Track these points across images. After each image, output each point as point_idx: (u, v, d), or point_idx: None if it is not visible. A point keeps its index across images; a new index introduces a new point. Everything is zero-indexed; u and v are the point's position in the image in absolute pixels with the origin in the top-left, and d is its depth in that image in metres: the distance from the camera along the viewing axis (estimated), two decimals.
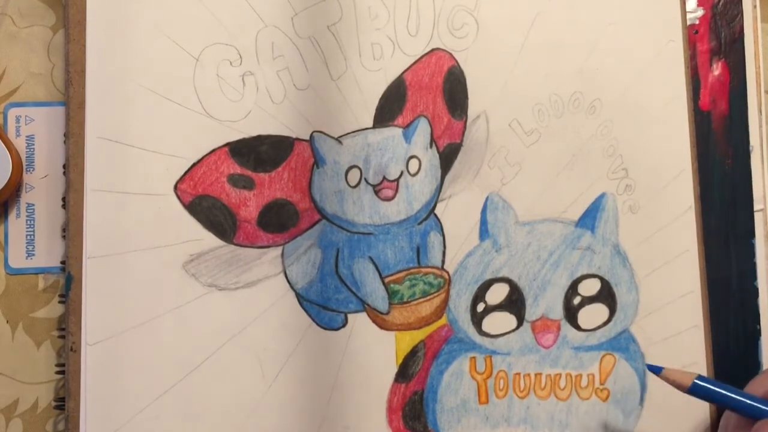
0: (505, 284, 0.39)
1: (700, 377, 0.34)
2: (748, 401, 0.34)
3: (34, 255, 0.38)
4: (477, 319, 0.39)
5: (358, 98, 0.39)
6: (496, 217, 0.39)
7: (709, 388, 0.34)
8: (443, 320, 0.39)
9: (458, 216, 0.39)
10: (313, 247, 0.38)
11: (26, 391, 0.38)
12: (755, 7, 0.43)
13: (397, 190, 0.39)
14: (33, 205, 0.38)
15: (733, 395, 0.34)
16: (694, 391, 0.34)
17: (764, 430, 0.32)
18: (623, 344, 0.40)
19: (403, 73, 0.39)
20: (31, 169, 0.38)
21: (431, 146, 0.39)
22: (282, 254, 0.38)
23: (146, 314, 0.37)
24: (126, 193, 0.37)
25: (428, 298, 0.39)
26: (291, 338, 0.38)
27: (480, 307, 0.39)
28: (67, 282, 0.37)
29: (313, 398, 0.38)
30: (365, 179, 0.39)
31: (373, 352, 0.38)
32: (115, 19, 0.38)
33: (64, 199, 0.38)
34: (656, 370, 0.35)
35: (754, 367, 0.41)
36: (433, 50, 0.40)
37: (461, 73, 0.40)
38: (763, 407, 0.34)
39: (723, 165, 0.42)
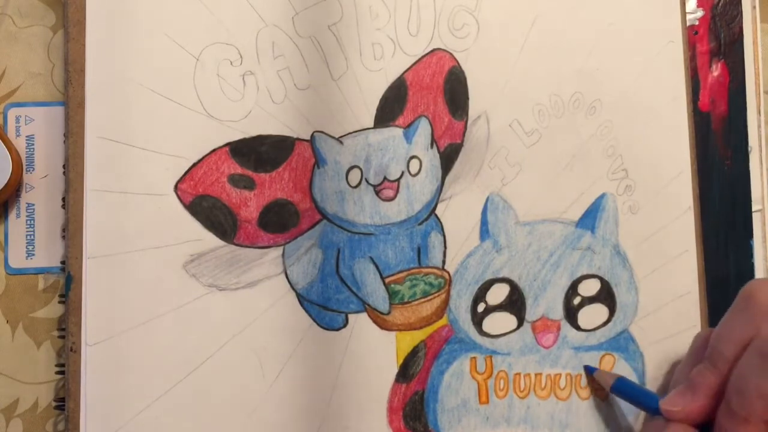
0: (506, 284, 0.39)
1: (620, 378, 0.38)
2: (651, 403, 0.35)
3: (34, 255, 0.38)
4: (477, 320, 0.39)
5: (359, 98, 0.39)
6: (496, 217, 0.40)
7: (626, 389, 0.38)
8: (444, 320, 0.39)
9: (459, 216, 0.39)
10: (314, 248, 0.38)
11: (26, 391, 0.38)
12: (754, 8, 0.43)
13: (397, 191, 0.39)
14: (33, 205, 0.38)
15: (639, 395, 0.37)
16: (614, 389, 0.38)
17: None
18: (623, 344, 0.40)
19: (404, 73, 0.39)
20: (31, 169, 0.38)
21: (432, 146, 0.39)
22: (283, 254, 0.38)
23: (146, 314, 0.37)
24: (126, 193, 0.37)
25: (429, 298, 0.39)
26: (291, 338, 0.38)
27: (480, 308, 0.39)
28: (67, 282, 0.37)
29: (314, 398, 0.38)
30: (366, 179, 0.39)
31: (374, 352, 0.38)
32: (114, 18, 0.38)
33: (64, 199, 0.38)
34: (591, 371, 0.39)
35: None
36: (433, 50, 0.40)
37: (462, 73, 0.40)
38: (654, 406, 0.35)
39: (722, 166, 0.42)
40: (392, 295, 0.39)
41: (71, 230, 0.37)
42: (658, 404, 0.35)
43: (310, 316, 0.38)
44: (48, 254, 0.38)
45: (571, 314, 0.40)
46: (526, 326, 0.40)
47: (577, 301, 0.40)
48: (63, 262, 0.38)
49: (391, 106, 0.39)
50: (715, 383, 0.33)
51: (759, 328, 0.31)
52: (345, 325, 0.38)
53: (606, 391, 0.40)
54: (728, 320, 0.34)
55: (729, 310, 0.34)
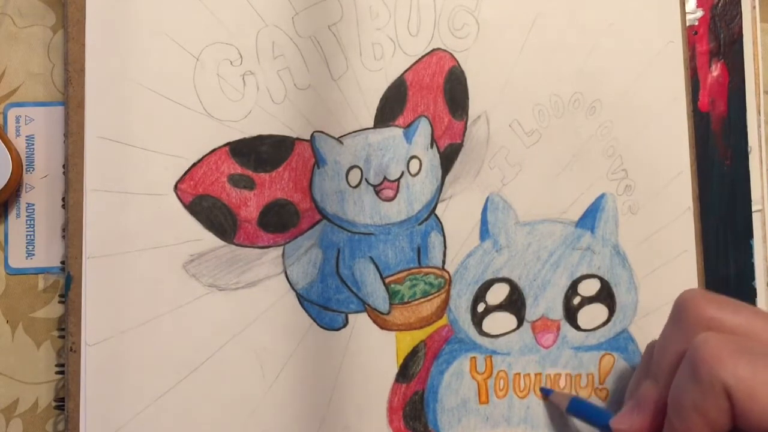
0: (506, 284, 0.39)
1: (574, 399, 0.38)
2: (604, 422, 0.35)
3: (34, 255, 0.38)
4: (477, 319, 0.39)
5: (359, 98, 0.39)
6: (496, 217, 0.40)
7: (580, 408, 0.37)
8: (444, 320, 0.39)
9: (459, 216, 0.39)
10: (314, 248, 0.38)
11: (26, 391, 0.38)
12: (754, 8, 0.43)
13: (397, 191, 0.39)
14: (33, 205, 0.38)
15: (593, 415, 0.37)
16: (569, 410, 0.38)
17: None
18: (622, 344, 0.40)
19: (404, 73, 0.39)
20: (31, 169, 0.38)
21: (432, 146, 0.39)
22: (282, 254, 0.38)
23: (146, 314, 0.37)
24: (126, 193, 0.37)
25: (429, 298, 0.39)
26: (291, 338, 0.38)
27: (480, 307, 0.39)
28: (66, 282, 0.37)
29: (314, 398, 0.38)
30: (366, 179, 0.39)
31: (374, 352, 0.38)
32: (114, 18, 0.38)
33: (64, 199, 0.38)
34: (547, 393, 0.39)
35: None
36: (433, 50, 0.40)
37: (462, 73, 0.40)
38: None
39: (722, 166, 0.42)
40: (392, 295, 0.39)
41: (71, 230, 0.37)
42: (609, 423, 0.34)
43: (310, 316, 0.38)
44: (48, 254, 0.38)
45: (570, 314, 0.40)
46: (526, 326, 0.40)
47: (576, 301, 0.40)
48: (63, 262, 0.38)
49: (391, 106, 0.39)
50: (659, 399, 0.32)
51: (690, 341, 0.30)
52: (345, 325, 0.38)
53: (606, 391, 0.40)
54: (664, 333, 0.33)
55: (666, 322, 0.33)
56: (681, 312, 0.32)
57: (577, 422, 0.40)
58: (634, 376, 0.36)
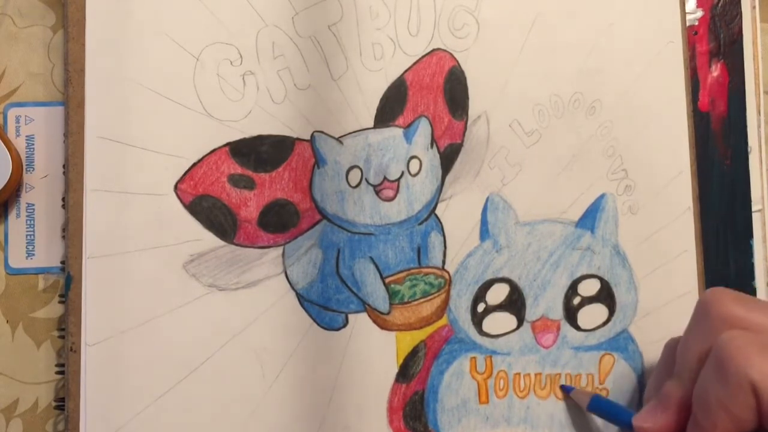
0: (506, 284, 0.39)
1: (595, 396, 0.38)
2: (626, 420, 0.35)
3: (34, 255, 0.38)
4: (477, 320, 0.39)
5: (359, 98, 0.39)
6: (496, 217, 0.40)
7: (602, 406, 0.37)
8: (444, 320, 0.39)
9: (459, 216, 0.39)
10: (314, 248, 0.38)
11: (26, 391, 0.38)
12: (754, 8, 0.43)
13: (397, 191, 0.39)
14: (33, 205, 0.38)
15: (615, 413, 0.37)
16: (590, 408, 0.38)
17: None
18: (622, 344, 0.40)
19: (404, 73, 0.39)
20: (31, 169, 0.38)
21: (432, 146, 0.39)
22: (283, 254, 0.38)
23: (146, 314, 0.37)
24: (126, 193, 0.37)
25: (429, 298, 0.39)
26: (291, 338, 0.38)
27: (480, 308, 0.39)
28: (66, 282, 0.37)
29: (314, 398, 0.38)
30: (366, 179, 0.39)
31: (374, 352, 0.38)
32: (114, 18, 0.38)
33: (64, 199, 0.38)
34: (568, 390, 0.39)
35: None
36: (433, 50, 0.40)
37: (462, 73, 0.40)
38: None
39: (722, 166, 0.42)
40: (392, 295, 0.39)
41: (71, 230, 0.37)
42: (631, 421, 0.34)
43: (310, 316, 0.38)
44: (48, 254, 0.38)
45: (570, 314, 0.40)
46: (526, 326, 0.40)
47: (576, 301, 0.40)
48: (63, 262, 0.38)
49: (391, 106, 0.39)
50: (682, 397, 0.32)
51: (714, 339, 0.31)
52: (345, 325, 0.38)
53: (606, 391, 0.40)
54: (688, 332, 0.33)
55: (690, 320, 0.33)
56: (705, 310, 0.32)
57: (579, 423, 0.40)
58: (653, 375, 0.36)
